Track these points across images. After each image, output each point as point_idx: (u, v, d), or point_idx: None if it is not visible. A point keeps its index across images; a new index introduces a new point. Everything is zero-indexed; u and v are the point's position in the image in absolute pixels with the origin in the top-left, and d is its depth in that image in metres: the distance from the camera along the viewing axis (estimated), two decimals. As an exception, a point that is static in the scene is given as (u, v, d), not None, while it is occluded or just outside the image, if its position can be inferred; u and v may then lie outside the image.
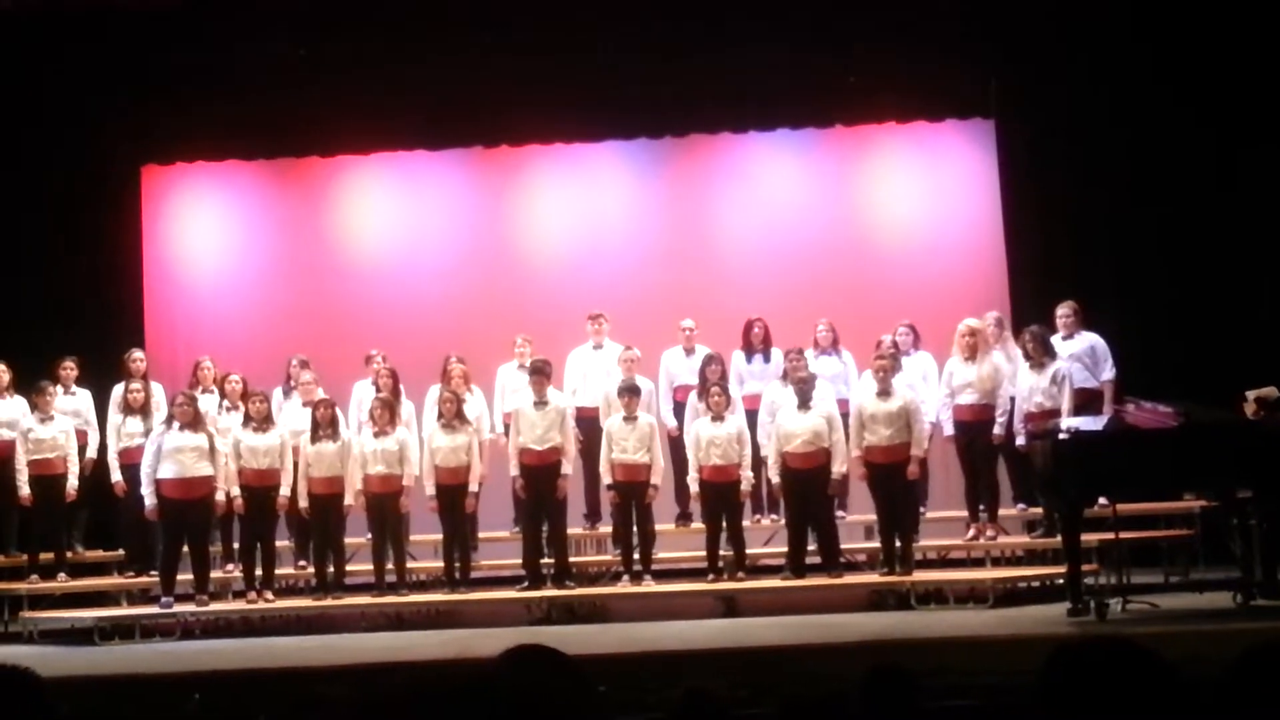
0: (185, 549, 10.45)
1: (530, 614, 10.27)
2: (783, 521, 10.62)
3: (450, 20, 12.03)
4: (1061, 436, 8.97)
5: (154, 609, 10.41)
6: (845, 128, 12.98)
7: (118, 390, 11.18)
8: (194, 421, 10.42)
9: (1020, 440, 10.30)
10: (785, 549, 10.40)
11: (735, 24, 12.06)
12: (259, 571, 10.53)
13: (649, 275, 12.76)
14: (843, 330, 11.32)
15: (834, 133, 13.04)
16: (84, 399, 11.44)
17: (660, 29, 12.11)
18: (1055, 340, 10.52)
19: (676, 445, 10.94)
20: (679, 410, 11.12)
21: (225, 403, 11.11)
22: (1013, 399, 10.42)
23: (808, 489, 10.24)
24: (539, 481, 10.50)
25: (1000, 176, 12.55)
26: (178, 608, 10.31)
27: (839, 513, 10.72)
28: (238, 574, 10.72)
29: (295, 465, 10.59)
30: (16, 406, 11.12)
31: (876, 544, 10.43)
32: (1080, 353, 10.59)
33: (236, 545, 10.85)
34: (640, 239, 13.08)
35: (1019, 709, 1.98)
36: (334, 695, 4.12)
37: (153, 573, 10.69)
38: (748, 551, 10.53)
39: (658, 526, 10.73)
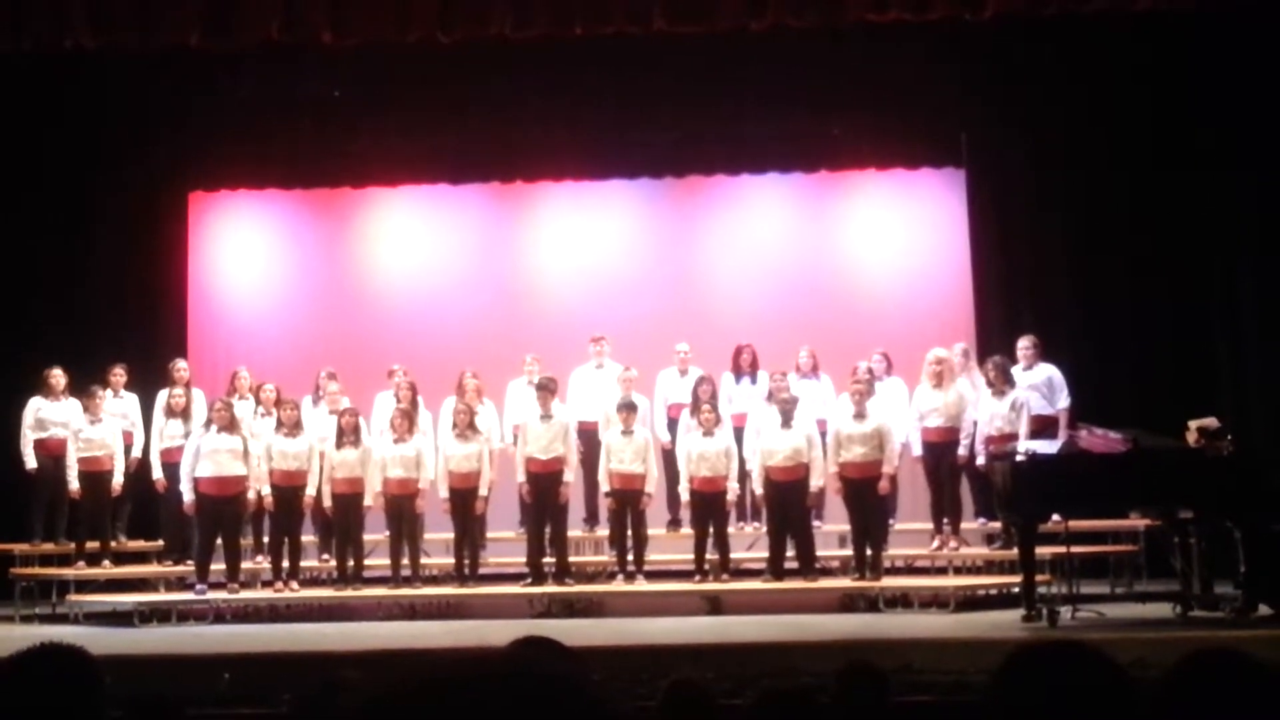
0: (219, 541, 10.45)
1: (532, 608, 10.23)
2: (764, 529, 10.61)
3: (472, 68, 12.05)
4: (1019, 458, 8.98)
5: (189, 595, 10.38)
6: (830, 173, 13.03)
7: (162, 395, 11.19)
8: (230, 425, 10.43)
9: (981, 461, 10.30)
10: (766, 554, 10.38)
11: (731, 79, 12.08)
12: (286, 563, 10.52)
13: (647, 302, 12.73)
14: (823, 357, 11.32)
15: (819, 177, 13.07)
16: (131, 403, 11.43)
17: (662, 81, 12.12)
18: (1016, 371, 10.53)
19: (669, 458, 10.90)
20: (672, 426, 11.10)
21: (259, 409, 11.09)
22: (975, 423, 10.44)
23: (788, 500, 10.23)
24: (543, 487, 10.48)
25: (969, 220, 12.56)
26: (211, 594, 10.29)
27: (816, 522, 10.69)
28: (266, 565, 10.68)
29: (321, 468, 10.60)
30: (70, 408, 11.09)
31: (849, 552, 10.40)
32: (1038, 383, 10.60)
33: (266, 539, 10.82)
34: (640, 269, 13.07)
35: (976, 704, 1.98)
36: (351, 677, 4.14)
37: (189, 562, 10.66)
38: (732, 555, 10.50)
39: (650, 531, 10.70)
